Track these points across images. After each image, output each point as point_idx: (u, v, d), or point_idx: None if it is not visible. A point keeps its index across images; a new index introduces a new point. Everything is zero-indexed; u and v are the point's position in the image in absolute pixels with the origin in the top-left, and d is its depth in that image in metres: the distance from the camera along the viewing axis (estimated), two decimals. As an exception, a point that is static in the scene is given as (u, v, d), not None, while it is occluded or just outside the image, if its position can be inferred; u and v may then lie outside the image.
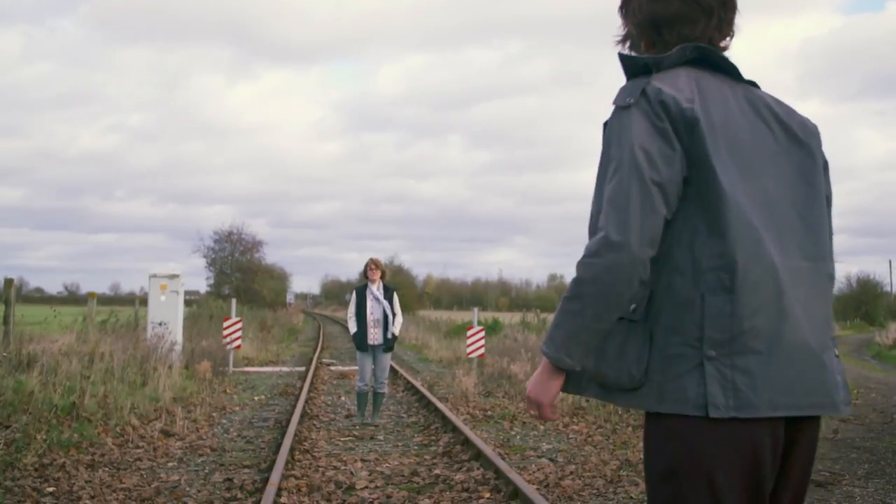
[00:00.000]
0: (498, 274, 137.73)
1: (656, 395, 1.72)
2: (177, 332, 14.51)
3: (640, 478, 6.36)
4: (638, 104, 1.75)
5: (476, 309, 17.69)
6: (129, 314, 18.50)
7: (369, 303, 9.45)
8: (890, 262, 67.72)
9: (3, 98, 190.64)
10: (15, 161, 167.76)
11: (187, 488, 6.17)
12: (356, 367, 10.40)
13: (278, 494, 5.77)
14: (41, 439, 7.08)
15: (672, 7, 1.90)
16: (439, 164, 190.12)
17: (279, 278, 57.63)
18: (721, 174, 1.72)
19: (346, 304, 10.03)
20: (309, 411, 10.39)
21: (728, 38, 1.97)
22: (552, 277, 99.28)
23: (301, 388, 12.28)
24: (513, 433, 9.00)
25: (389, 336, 9.43)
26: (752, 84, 1.95)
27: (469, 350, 15.67)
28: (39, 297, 78.43)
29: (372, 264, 9.57)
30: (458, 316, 39.15)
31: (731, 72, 1.92)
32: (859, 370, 18.85)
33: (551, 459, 7.42)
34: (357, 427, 9.38)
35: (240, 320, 16.94)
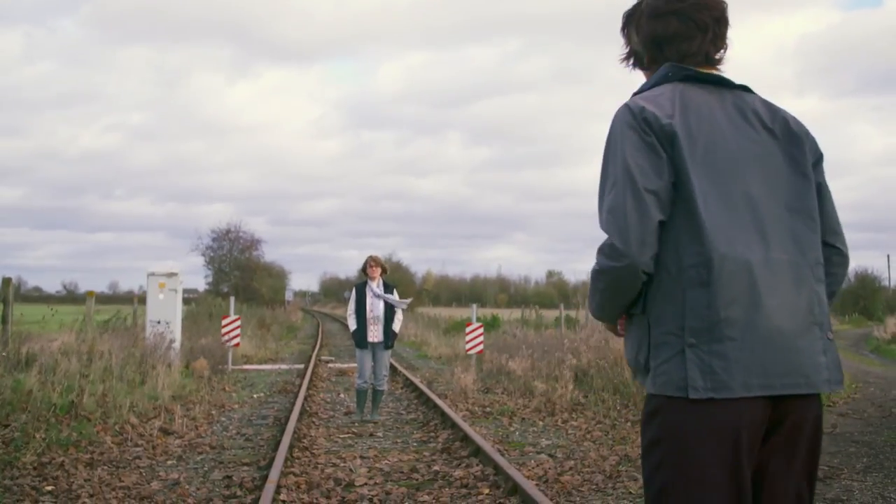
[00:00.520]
0: (497, 270, 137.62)
1: (652, 377, 1.96)
2: (175, 331, 14.51)
3: (639, 473, 6.37)
4: (627, 121, 2.00)
5: (475, 305, 17.70)
6: (128, 313, 18.48)
7: (369, 300, 9.43)
8: (888, 256, 67.84)
9: (4, 98, 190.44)
10: (15, 161, 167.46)
11: (186, 486, 6.17)
12: (355, 365, 10.39)
13: (277, 492, 5.77)
14: (40, 438, 7.08)
15: (671, 26, 2.12)
16: (439, 161, 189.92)
17: (278, 276, 57.62)
18: (696, 183, 1.94)
19: (345, 302, 10.01)
20: (308, 409, 10.40)
21: (722, 51, 2.18)
22: (550, 274, 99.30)
23: (300, 386, 12.29)
24: (512, 429, 9.00)
25: (390, 332, 9.44)
26: (745, 88, 2.14)
27: (468, 346, 15.69)
28: (38, 296, 78.38)
29: (371, 262, 9.55)
30: (457, 312, 39.14)
31: (718, 83, 2.11)
32: (858, 364, 18.88)
33: (550, 455, 7.42)
34: (356, 424, 9.38)
35: (238, 318, 16.95)
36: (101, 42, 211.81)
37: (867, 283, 55.59)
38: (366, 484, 6.29)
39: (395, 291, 9.60)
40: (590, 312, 2.21)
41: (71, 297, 69.44)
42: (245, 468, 6.88)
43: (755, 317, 1.89)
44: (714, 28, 2.12)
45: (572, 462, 7.01)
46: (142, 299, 16.95)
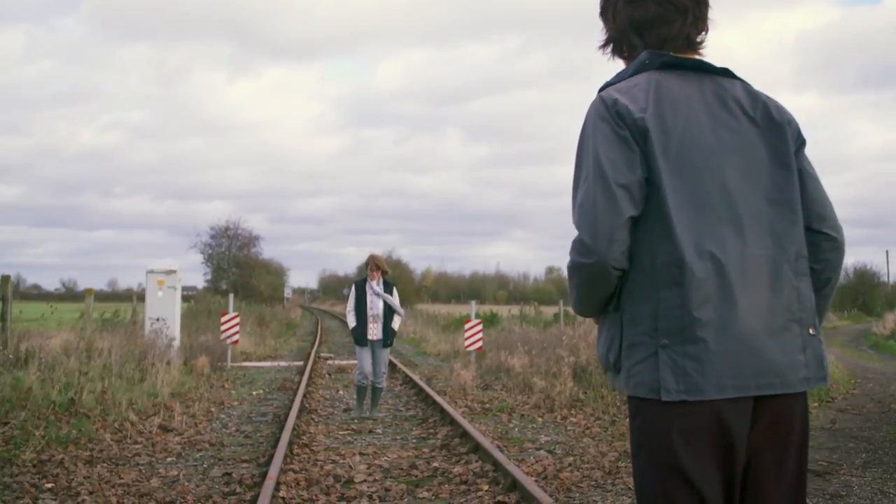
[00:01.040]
0: (496, 267, 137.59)
1: (625, 378, 1.93)
2: (174, 328, 14.51)
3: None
4: (600, 114, 1.93)
5: (473, 302, 17.71)
6: (127, 310, 18.48)
7: (369, 298, 9.42)
8: (887, 252, 67.72)
9: (5, 96, 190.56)
10: (14, 159, 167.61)
11: (186, 483, 6.17)
12: (354, 362, 10.41)
13: (277, 488, 5.77)
14: (39, 435, 7.08)
15: (649, 10, 2.03)
16: (438, 158, 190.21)
17: (276, 273, 57.60)
18: (667, 180, 1.88)
19: (344, 299, 9.96)
20: (307, 405, 10.40)
21: (704, 33, 2.09)
22: (549, 270, 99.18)
23: (299, 383, 12.29)
24: (511, 426, 9.01)
25: (390, 331, 9.43)
26: (726, 73, 2.05)
27: (467, 343, 15.69)
28: (37, 294, 78.39)
29: (373, 264, 9.50)
30: (456, 309, 39.15)
31: (698, 68, 2.03)
32: (857, 360, 18.90)
33: (550, 451, 7.43)
34: (355, 421, 9.38)
35: (237, 315, 16.94)
36: (102, 40, 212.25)
37: (866, 278, 55.62)
38: (365, 480, 6.29)
39: (394, 290, 9.59)
40: (572, 308, 2.15)
41: (70, 294, 69.42)
42: (244, 465, 6.88)
43: (728, 317, 1.84)
44: (694, 10, 2.03)
45: (571, 458, 7.01)
46: (141, 297, 16.95)
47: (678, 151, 1.90)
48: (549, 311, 28.41)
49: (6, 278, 10.81)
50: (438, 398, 10.26)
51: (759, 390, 1.86)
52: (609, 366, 1.98)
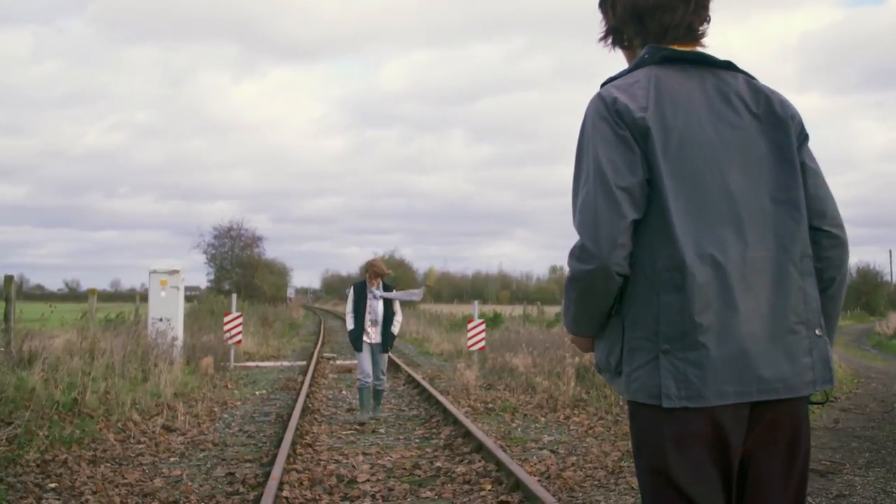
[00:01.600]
0: (498, 267, 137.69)
1: (625, 383, 1.90)
2: (177, 328, 14.51)
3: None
4: (599, 113, 1.89)
5: (476, 302, 17.70)
6: (130, 310, 18.51)
7: (369, 302, 9.23)
8: (890, 251, 67.78)
9: (12, 98, 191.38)
10: (20, 159, 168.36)
11: (189, 483, 6.18)
12: (357, 362, 10.37)
13: (280, 488, 5.77)
14: (43, 435, 7.09)
15: None
16: (441, 158, 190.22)
17: (279, 273, 57.59)
18: (667, 182, 1.84)
19: (346, 299, 9.81)
20: (310, 405, 10.41)
21: (705, 24, 2.04)
22: (553, 269, 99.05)
23: (302, 383, 12.30)
24: (514, 425, 9.01)
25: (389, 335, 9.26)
26: (729, 65, 2.00)
27: (470, 343, 15.69)
28: (40, 294, 78.43)
29: (372, 272, 9.24)
30: (459, 309, 39.15)
31: (700, 61, 1.99)
32: (860, 360, 18.87)
33: (553, 451, 7.43)
34: (358, 421, 9.36)
35: (240, 315, 16.96)
36: (108, 41, 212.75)
37: (869, 278, 55.60)
38: (368, 480, 6.29)
39: (394, 292, 9.43)
40: (565, 328, 2.08)
41: (73, 294, 69.51)
42: (248, 465, 6.89)
43: (729, 322, 1.81)
44: None
45: (574, 458, 7.01)
46: (144, 297, 16.95)
47: (678, 150, 1.86)
48: (552, 310, 28.39)
49: (10, 279, 10.82)
50: (441, 398, 10.26)
51: (761, 396, 1.83)
52: (609, 370, 1.95)
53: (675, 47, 1.99)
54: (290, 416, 8.92)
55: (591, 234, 1.83)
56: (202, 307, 27.25)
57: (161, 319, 14.16)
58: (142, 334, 13.14)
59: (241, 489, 6.00)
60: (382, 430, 8.81)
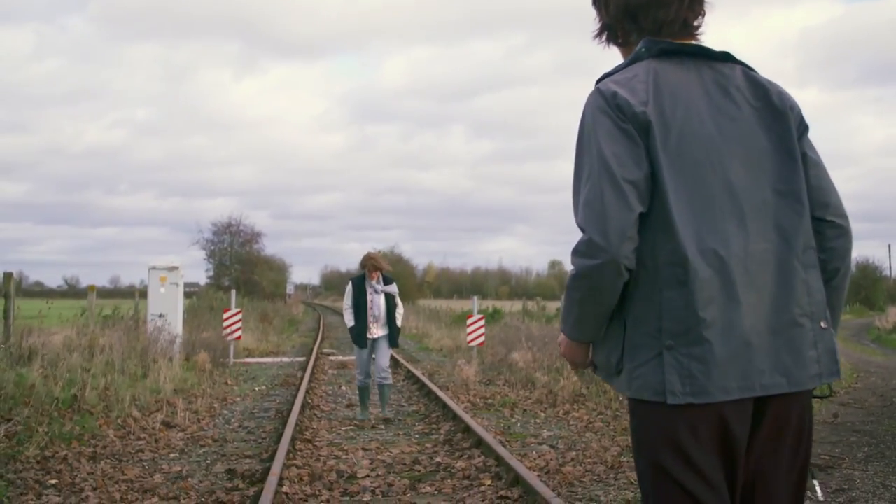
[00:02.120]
0: (498, 262, 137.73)
1: (626, 380, 1.87)
2: (177, 325, 14.51)
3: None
4: (600, 107, 1.86)
5: (476, 298, 17.70)
6: (129, 307, 18.49)
7: (369, 297, 9.03)
8: (889, 246, 67.80)
9: (14, 95, 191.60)
10: (21, 156, 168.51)
11: (189, 479, 6.18)
12: (354, 358, 10.29)
13: (280, 484, 5.78)
14: (43, 432, 7.09)
15: None
16: (442, 154, 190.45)
17: (279, 269, 57.58)
18: (667, 176, 1.82)
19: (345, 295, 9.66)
20: (310, 401, 10.41)
21: (701, 17, 2.02)
22: (552, 264, 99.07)
23: (302, 379, 12.29)
24: (513, 421, 9.01)
25: (393, 329, 9.10)
26: (727, 57, 1.98)
27: (469, 339, 15.70)
28: (39, 291, 78.46)
29: (370, 265, 9.06)
30: (459, 305, 39.16)
31: (697, 53, 1.97)
32: (859, 354, 18.89)
33: (552, 446, 7.43)
34: (358, 417, 9.34)
35: (240, 312, 16.95)
36: (109, 39, 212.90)
37: (868, 272, 55.52)
38: (368, 476, 6.30)
39: (394, 286, 9.32)
40: (564, 334, 2.03)
41: (72, 291, 69.52)
42: (247, 461, 6.89)
43: (732, 317, 1.79)
44: None
45: (574, 453, 7.02)
46: (143, 293, 16.95)
47: (678, 144, 1.85)
48: (551, 306, 28.38)
49: (9, 275, 10.82)
50: (441, 393, 10.26)
51: (765, 391, 1.81)
52: (609, 369, 1.93)
53: (672, 40, 1.97)
54: (289, 411, 8.92)
55: (600, 228, 1.79)
56: (201, 303, 27.27)
57: (160, 316, 14.16)
58: (141, 331, 13.15)
59: (241, 485, 6.00)
60: (382, 426, 8.81)
